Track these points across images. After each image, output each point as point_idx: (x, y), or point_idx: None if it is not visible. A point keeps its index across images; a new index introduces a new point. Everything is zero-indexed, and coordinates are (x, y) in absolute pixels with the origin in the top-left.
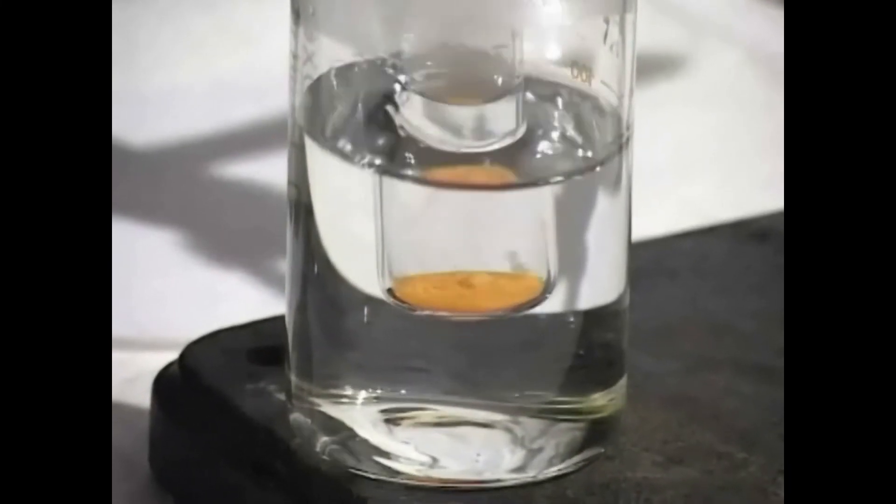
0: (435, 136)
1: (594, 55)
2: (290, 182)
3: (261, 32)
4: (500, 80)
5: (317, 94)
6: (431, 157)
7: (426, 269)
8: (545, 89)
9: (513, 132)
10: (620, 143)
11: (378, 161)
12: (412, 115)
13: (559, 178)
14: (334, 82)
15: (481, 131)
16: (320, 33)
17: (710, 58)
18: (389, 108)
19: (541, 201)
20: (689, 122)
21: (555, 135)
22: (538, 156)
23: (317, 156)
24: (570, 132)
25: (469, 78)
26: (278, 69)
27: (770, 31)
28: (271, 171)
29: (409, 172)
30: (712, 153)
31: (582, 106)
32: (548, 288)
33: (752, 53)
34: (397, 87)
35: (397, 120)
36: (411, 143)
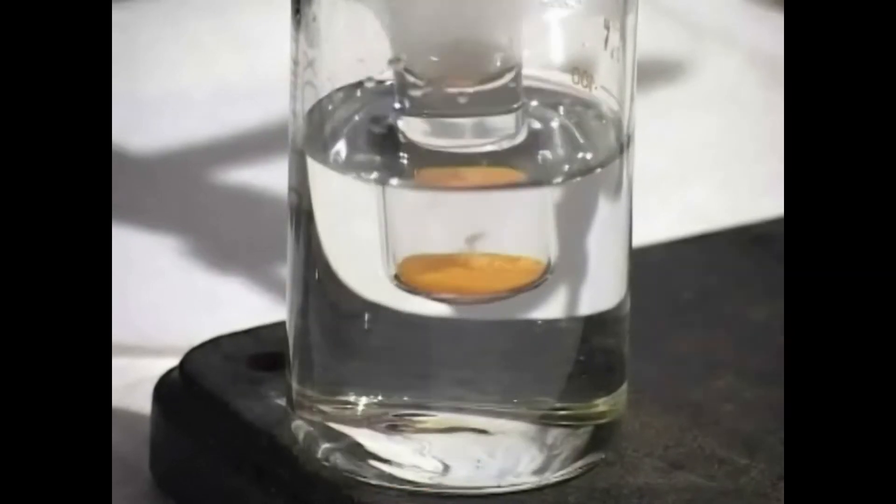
0: (435, 139)
1: (595, 61)
2: (290, 188)
3: (262, 36)
4: (497, 61)
5: (317, 115)
6: (431, 160)
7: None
8: (546, 96)
9: (512, 136)
10: (621, 147)
11: (377, 173)
12: (412, 123)
13: (559, 179)
14: (333, 102)
15: (481, 133)
16: (321, 39)
17: (710, 62)
18: (392, 115)
19: (543, 201)
20: (690, 126)
21: (556, 138)
22: (539, 157)
23: (317, 164)
24: (572, 136)
25: (465, 58)
26: (279, 73)
27: (770, 35)
28: (272, 176)
29: (410, 179)
30: (713, 157)
31: (583, 111)
32: (548, 270)
33: (752, 57)
34: (397, 97)
35: (400, 125)
36: (412, 148)
